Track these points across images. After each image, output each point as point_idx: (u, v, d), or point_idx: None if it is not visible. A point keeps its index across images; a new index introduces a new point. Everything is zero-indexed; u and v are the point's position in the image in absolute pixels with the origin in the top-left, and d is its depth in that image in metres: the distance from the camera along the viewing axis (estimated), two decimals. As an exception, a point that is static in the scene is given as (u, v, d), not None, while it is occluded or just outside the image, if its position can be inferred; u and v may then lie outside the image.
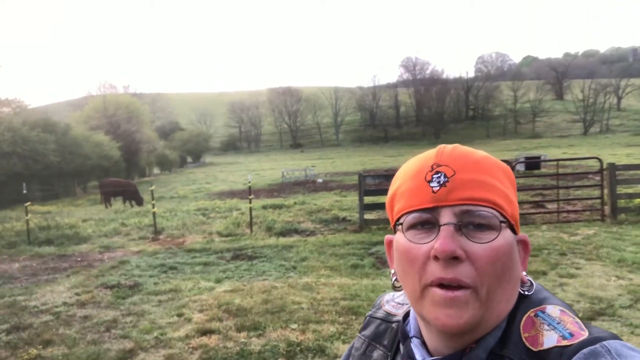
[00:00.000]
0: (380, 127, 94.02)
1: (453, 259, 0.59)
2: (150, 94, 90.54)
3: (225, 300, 5.37)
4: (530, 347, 0.58)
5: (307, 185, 23.66)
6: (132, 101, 44.77)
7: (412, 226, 0.64)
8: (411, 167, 0.68)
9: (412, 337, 0.71)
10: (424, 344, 0.69)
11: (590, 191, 12.37)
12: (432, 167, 0.64)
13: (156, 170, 50.04)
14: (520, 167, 20.46)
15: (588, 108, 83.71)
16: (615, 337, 0.56)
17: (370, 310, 0.85)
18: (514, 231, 0.65)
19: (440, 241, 0.59)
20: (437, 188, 0.62)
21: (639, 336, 3.99)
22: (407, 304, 0.79)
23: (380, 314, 0.82)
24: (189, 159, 67.02)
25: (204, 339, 4.31)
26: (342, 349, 4.02)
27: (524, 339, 0.59)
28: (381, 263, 7.19)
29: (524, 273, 0.66)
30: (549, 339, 0.58)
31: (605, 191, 9.75)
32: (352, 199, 15.02)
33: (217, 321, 4.72)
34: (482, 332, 0.62)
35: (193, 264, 7.53)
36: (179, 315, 4.95)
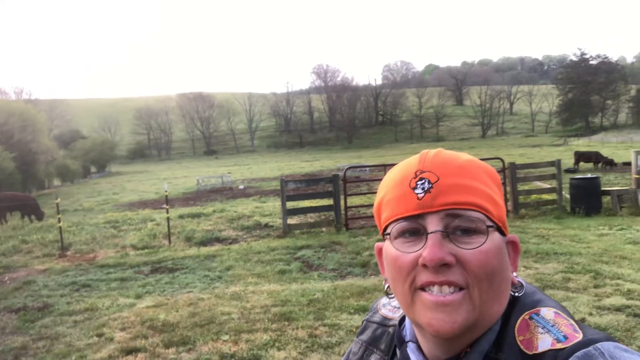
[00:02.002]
0: (295, 132, 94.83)
1: (443, 266, 0.59)
2: (47, 100, 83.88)
3: (149, 316, 5.08)
4: (525, 350, 0.58)
5: (225, 192, 23.18)
6: (26, 108, 41.02)
7: (400, 234, 0.64)
8: (395, 175, 0.68)
9: (408, 342, 0.70)
10: (419, 348, 0.68)
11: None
12: (415, 173, 0.64)
13: (57, 182, 46.28)
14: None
15: (485, 112, 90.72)
16: (610, 338, 0.57)
17: (367, 314, 0.85)
18: (503, 233, 0.66)
19: (428, 250, 0.59)
20: (422, 194, 0.62)
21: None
22: None
23: (376, 318, 0.81)
24: (93, 169, 62.78)
25: (130, 358, 4.04)
26: (277, 356, 3.96)
27: (518, 342, 0.60)
28: (308, 267, 7.23)
29: (514, 274, 0.67)
30: (544, 342, 0.58)
31: (508, 188, 10.58)
32: (272, 204, 14.95)
33: (142, 339, 4.44)
34: (475, 335, 0.62)
35: (108, 280, 7.04)
36: (99, 335, 4.60)
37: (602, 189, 10.91)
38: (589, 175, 11.26)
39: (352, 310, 4.93)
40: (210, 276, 6.94)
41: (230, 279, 6.66)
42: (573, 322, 0.60)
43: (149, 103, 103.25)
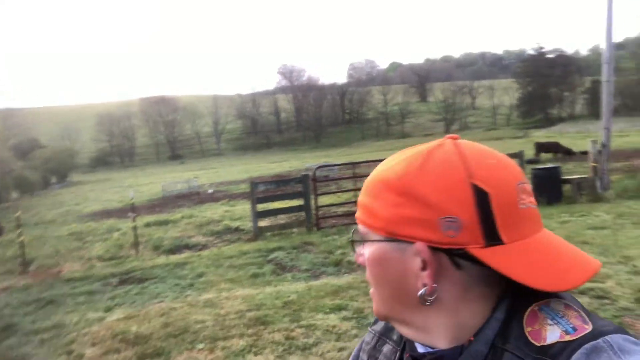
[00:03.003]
0: (262, 133, 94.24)
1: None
2: (2, 109, 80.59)
3: (120, 329, 4.94)
4: (533, 341, 0.58)
5: (192, 197, 22.82)
6: (-22, 118, 39.39)
7: None
8: None
9: None
10: None
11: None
12: None
13: (14, 194, 44.53)
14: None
15: (448, 108, 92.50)
16: (620, 330, 0.56)
17: None
18: (402, 239, 0.63)
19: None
20: None
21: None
22: None
23: None
24: (53, 179, 60.71)
25: (101, 375, 3.93)
26: (255, 362, 3.93)
27: (527, 334, 0.59)
28: (281, 269, 7.19)
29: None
30: (552, 334, 0.57)
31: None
32: (242, 207, 14.82)
33: (114, 353, 4.32)
34: (399, 322, 0.69)
35: (75, 294, 6.82)
36: (68, 352, 4.44)
37: (563, 177, 11.29)
38: (549, 165, 11.62)
39: (327, 310, 4.93)
40: (181, 284, 6.82)
41: (203, 286, 6.55)
42: (583, 314, 0.59)
43: (110, 109, 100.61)
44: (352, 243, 0.74)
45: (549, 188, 10.50)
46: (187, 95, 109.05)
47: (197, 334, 4.65)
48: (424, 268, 0.63)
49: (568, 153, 22.95)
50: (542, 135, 48.41)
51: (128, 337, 4.68)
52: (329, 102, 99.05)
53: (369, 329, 0.84)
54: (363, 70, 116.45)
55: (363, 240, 0.70)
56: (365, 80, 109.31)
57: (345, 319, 4.68)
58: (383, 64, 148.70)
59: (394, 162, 0.68)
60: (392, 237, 0.65)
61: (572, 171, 14.82)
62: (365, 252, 0.69)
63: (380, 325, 0.82)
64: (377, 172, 0.69)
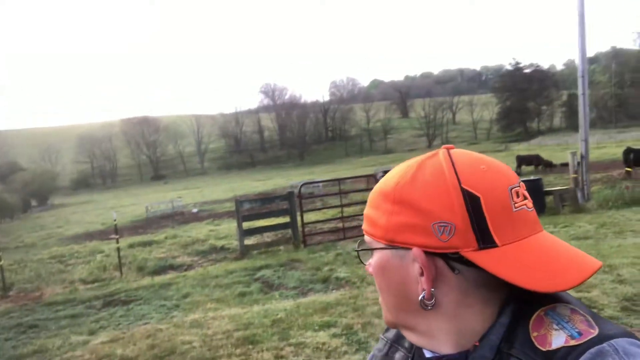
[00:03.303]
0: (246, 152, 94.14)
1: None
2: (-22, 132, 79.11)
3: (105, 352, 4.82)
4: (539, 346, 0.58)
5: (176, 217, 22.61)
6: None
7: None
8: None
9: None
10: None
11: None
12: None
13: (-7, 219, 43.56)
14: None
15: (430, 123, 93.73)
16: (626, 334, 0.56)
17: None
18: (405, 247, 0.65)
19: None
20: None
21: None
22: None
23: None
24: (34, 202, 59.59)
25: (86, 401, 3.81)
26: (244, 382, 3.86)
27: (532, 339, 0.59)
28: (268, 287, 7.12)
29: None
30: (557, 339, 0.57)
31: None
32: (227, 226, 14.71)
33: (98, 378, 4.21)
34: (409, 329, 0.70)
35: (57, 318, 6.65)
36: (51, 379, 4.32)
37: (545, 189, 11.47)
38: (532, 178, 11.80)
39: (317, 327, 4.88)
40: (167, 305, 6.70)
41: (189, 307, 6.45)
42: (590, 318, 0.59)
43: (91, 130, 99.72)
44: (358, 253, 0.75)
45: (532, 200, 10.60)
46: (169, 116, 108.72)
47: (184, 355, 4.55)
48: (422, 273, 0.64)
49: (549, 165, 23.36)
50: (523, 148, 49.25)
51: (113, 361, 4.56)
52: (312, 120, 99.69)
53: (381, 336, 0.84)
54: (345, 87, 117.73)
55: (365, 250, 0.73)
56: (347, 97, 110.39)
57: (334, 335, 4.63)
58: (364, 82, 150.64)
59: (392, 173, 0.70)
60: (391, 245, 0.66)
61: (554, 183, 15.08)
62: (372, 261, 0.72)
63: (392, 332, 0.82)
64: (378, 185, 0.72)
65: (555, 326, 0.59)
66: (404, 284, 0.66)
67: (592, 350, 0.54)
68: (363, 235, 0.74)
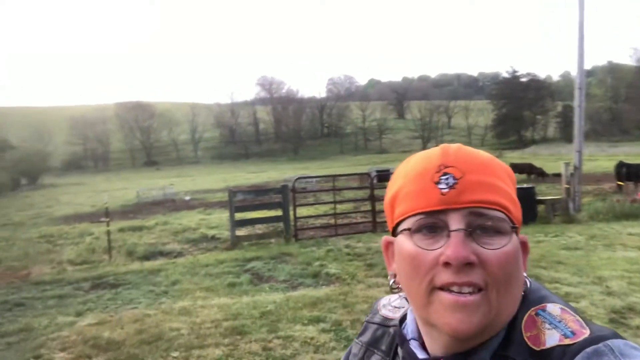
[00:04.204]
0: (241, 143, 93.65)
1: (465, 265, 0.57)
2: (-30, 107, 78.10)
3: (92, 334, 4.80)
4: (533, 346, 0.58)
5: (167, 204, 22.48)
6: (-53, 115, 38.12)
7: (418, 230, 0.61)
8: (414, 166, 0.66)
9: (410, 340, 0.69)
10: (422, 346, 0.68)
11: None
12: (439, 167, 0.62)
13: (-19, 195, 43.05)
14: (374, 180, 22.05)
15: (425, 126, 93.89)
16: (617, 335, 0.57)
17: (367, 315, 0.84)
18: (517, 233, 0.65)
19: (452, 248, 0.58)
20: (446, 190, 0.60)
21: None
22: (403, 307, 0.78)
23: (377, 319, 0.81)
24: (24, 181, 59.01)
25: (72, 382, 3.80)
26: (231, 371, 3.86)
27: (526, 339, 0.59)
28: (258, 279, 7.12)
29: (525, 274, 0.66)
30: (551, 338, 0.58)
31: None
32: (218, 216, 14.66)
33: (85, 358, 4.19)
34: (487, 336, 0.61)
35: (44, 297, 6.60)
36: (36, 357, 4.28)
37: (538, 198, 11.54)
38: (525, 186, 11.87)
39: (305, 322, 4.90)
40: (155, 291, 6.68)
41: (178, 294, 6.43)
42: (580, 319, 0.60)
43: (84, 112, 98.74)
44: (492, 231, 0.60)
45: (524, 208, 10.04)
46: (164, 102, 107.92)
47: (171, 341, 4.54)
48: (523, 263, 0.65)
49: (541, 174, 23.51)
50: (516, 156, 49.49)
51: (100, 343, 4.54)
52: (308, 115, 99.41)
53: (355, 340, 0.82)
54: (342, 85, 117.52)
55: (511, 229, 0.62)
56: (344, 95, 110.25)
57: (323, 331, 4.65)
58: (362, 80, 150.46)
59: (484, 152, 0.68)
60: (519, 227, 0.65)
61: (546, 192, 15.17)
62: (500, 244, 0.60)
63: (367, 336, 0.79)
64: (489, 156, 0.66)
65: (547, 326, 0.59)
66: (521, 273, 0.63)
67: (588, 349, 0.55)
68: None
